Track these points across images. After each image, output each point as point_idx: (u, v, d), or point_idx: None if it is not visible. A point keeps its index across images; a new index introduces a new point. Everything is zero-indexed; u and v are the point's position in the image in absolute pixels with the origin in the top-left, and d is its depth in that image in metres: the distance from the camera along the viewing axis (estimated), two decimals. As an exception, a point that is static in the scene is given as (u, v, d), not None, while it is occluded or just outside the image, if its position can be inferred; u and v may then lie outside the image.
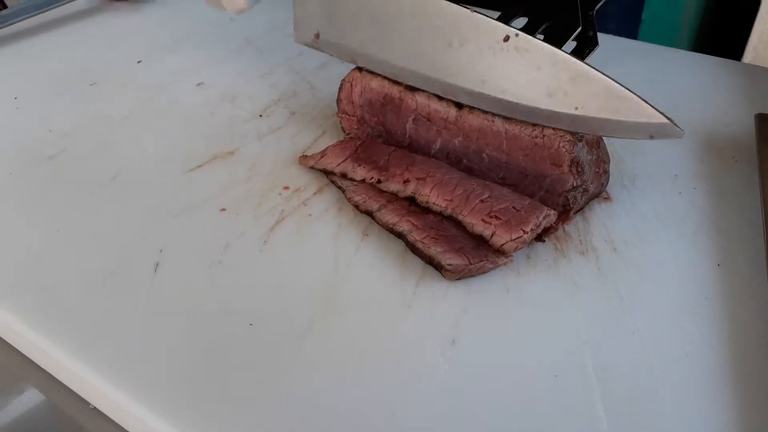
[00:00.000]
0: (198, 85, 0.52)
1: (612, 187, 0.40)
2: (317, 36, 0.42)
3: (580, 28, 0.38)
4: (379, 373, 0.29)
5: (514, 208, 0.34)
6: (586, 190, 0.36)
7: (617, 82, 0.34)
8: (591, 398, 0.28)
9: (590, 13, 0.40)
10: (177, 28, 0.61)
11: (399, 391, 0.28)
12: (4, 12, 0.61)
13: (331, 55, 0.43)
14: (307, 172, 0.41)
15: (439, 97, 0.39)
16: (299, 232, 0.37)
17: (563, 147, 0.35)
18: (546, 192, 0.36)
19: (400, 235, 0.35)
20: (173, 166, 0.42)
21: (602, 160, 0.37)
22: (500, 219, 0.34)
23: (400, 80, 0.40)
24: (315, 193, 0.40)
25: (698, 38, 1.75)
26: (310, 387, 0.28)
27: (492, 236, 0.33)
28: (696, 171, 0.42)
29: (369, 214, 0.37)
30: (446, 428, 0.27)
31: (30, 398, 0.34)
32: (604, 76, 0.34)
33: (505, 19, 0.42)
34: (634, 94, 0.34)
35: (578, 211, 0.37)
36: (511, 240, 0.33)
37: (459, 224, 0.35)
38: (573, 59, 0.35)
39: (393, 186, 0.38)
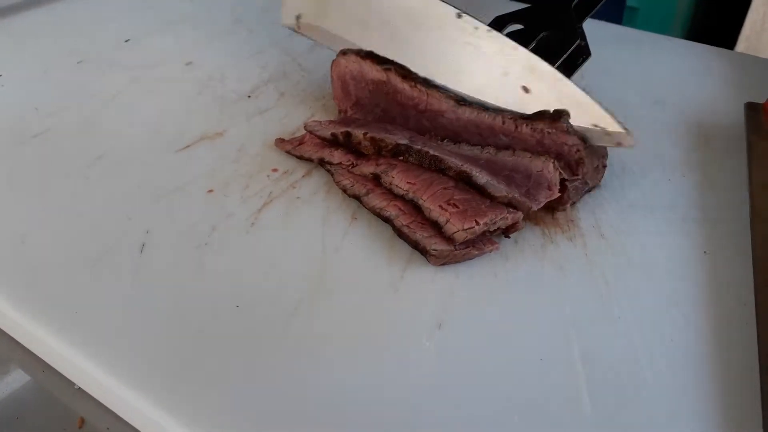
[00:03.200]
0: (187, 64, 0.51)
1: (602, 174, 0.40)
2: (298, 18, 0.42)
3: (576, 39, 0.38)
4: (365, 356, 0.29)
5: (474, 201, 0.34)
6: (585, 183, 0.36)
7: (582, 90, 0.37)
8: (576, 382, 0.28)
9: (580, 24, 0.40)
10: (167, 7, 0.60)
11: (385, 374, 0.28)
12: (-12, -12, 0.60)
13: (312, 39, 0.43)
14: (298, 158, 0.41)
15: (438, 90, 0.39)
16: (287, 214, 0.37)
17: (571, 147, 0.35)
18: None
19: (387, 220, 0.35)
20: (160, 146, 0.42)
21: (601, 155, 0.37)
22: (457, 207, 0.33)
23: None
24: (304, 176, 0.40)
25: (692, 27, 1.75)
26: (295, 369, 0.28)
27: (446, 223, 0.33)
28: (685, 159, 0.42)
29: (357, 198, 0.37)
30: (432, 411, 0.27)
31: (15, 379, 0.34)
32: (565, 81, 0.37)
33: (499, 25, 0.42)
34: (596, 102, 0.36)
35: (574, 203, 0.37)
36: (463, 229, 0.32)
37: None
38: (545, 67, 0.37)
39: (365, 169, 0.38)
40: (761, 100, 0.45)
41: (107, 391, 0.28)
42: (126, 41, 0.54)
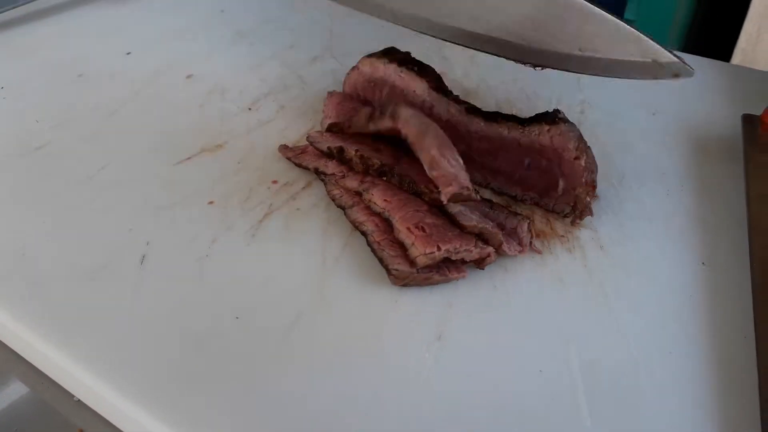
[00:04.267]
0: (188, 77, 0.51)
1: (600, 186, 0.40)
2: None
3: None
4: (365, 368, 0.29)
5: (443, 227, 0.34)
6: (593, 186, 0.36)
7: (622, 20, 0.33)
8: (575, 393, 0.28)
9: None
10: (168, 20, 0.60)
11: (385, 386, 0.28)
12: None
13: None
14: (297, 166, 0.41)
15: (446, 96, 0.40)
16: (287, 226, 0.37)
17: (571, 142, 0.36)
18: (562, 193, 0.37)
19: (363, 234, 0.35)
20: (161, 158, 0.42)
21: (590, 170, 0.37)
22: (424, 232, 0.33)
23: (388, 20, 0.40)
24: (304, 188, 0.40)
25: (688, 39, 1.76)
26: (296, 381, 0.28)
27: (411, 246, 0.33)
28: (683, 170, 0.42)
29: (342, 209, 0.37)
30: (432, 423, 0.27)
31: (14, 390, 0.34)
32: (608, 15, 0.33)
33: None
34: (641, 32, 0.33)
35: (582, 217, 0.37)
36: (424, 254, 0.32)
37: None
38: None
39: (350, 183, 0.38)
40: (758, 112, 0.45)
41: (106, 403, 0.28)
42: (127, 54, 0.55)
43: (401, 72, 0.42)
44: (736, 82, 0.52)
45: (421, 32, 0.39)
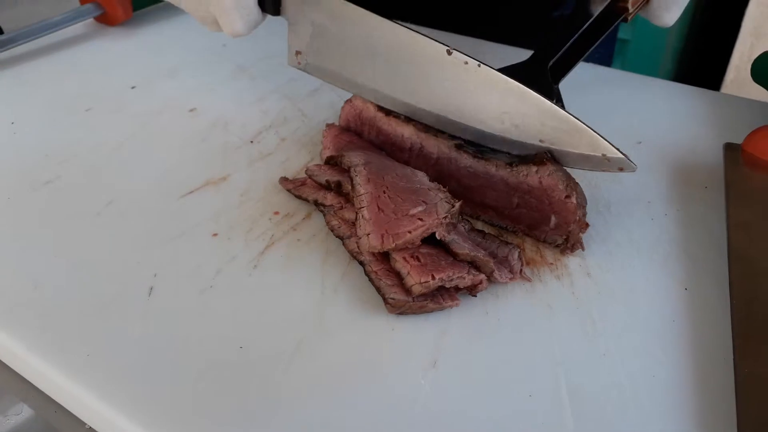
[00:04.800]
0: (191, 111, 0.53)
1: (588, 214, 0.41)
2: (298, 53, 0.46)
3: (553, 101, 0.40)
4: (364, 395, 0.31)
5: (437, 256, 0.35)
6: (585, 223, 0.38)
7: (576, 118, 0.38)
8: (562, 417, 0.29)
9: (556, 85, 0.43)
10: (170, 54, 0.63)
11: (384, 413, 0.30)
12: (2, 37, 0.63)
13: (315, 76, 0.45)
14: (297, 198, 0.43)
15: (435, 134, 0.42)
16: (288, 256, 0.38)
17: (560, 183, 0.37)
18: (554, 227, 0.39)
19: (361, 263, 0.37)
20: (167, 191, 0.44)
21: (582, 206, 0.39)
22: (419, 261, 0.35)
23: (375, 102, 0.44)
24: (304, 219, 0.42)
25: (681, 60, 1.79)
26: (297, 409, 0.30)
27: (406, 275, 0.35)
28: (668, 198, 0.44)
29: (341, 239, 0.39)
30: (426, 447, 0.28)
31: (28, 419, 0.36)
32: (566, 113, 0.38)
33: None
34: (590, 128, 0.38)
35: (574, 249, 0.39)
36: (419, 283, 0.34)
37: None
38: (535, 95, 0.38)
39: (348, 214, 0.39)
40: (740, 140, 0.47)
41: (117, 429, 0.30)
42: (132, 88, 0.57)
43: (390, 120, 0.44)
44: (721, 111, 0.54)
45: (404, 114, 0.43)
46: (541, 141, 0.39)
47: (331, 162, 0.43)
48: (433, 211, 0.36)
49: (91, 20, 0.70)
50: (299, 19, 0.45)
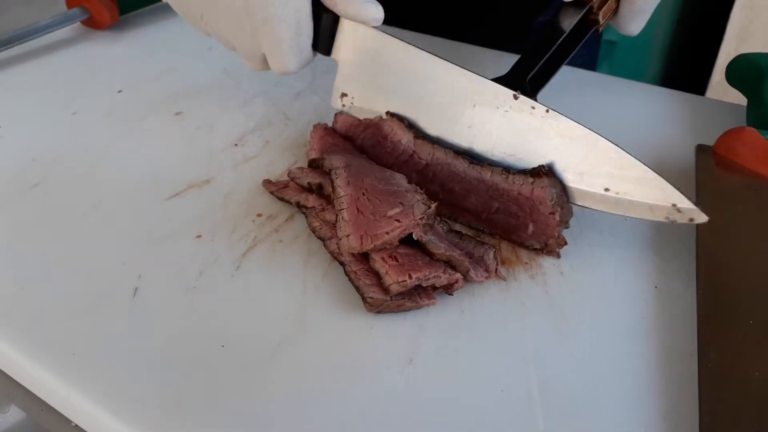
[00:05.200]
0: (176, 114, 0.54)
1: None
2: (344, 95, 0.47)
3: None
4: (343, 392, 0.32)
5: (415, 256, 0.37)
6: (564, 241, 0.40)
7: (644, 164, 0.38)
8: (533, 411, 0.30)
9: (534, 96, 0.44)
10: (157, 57, 0.63)
11: (361, 409, 0.31)
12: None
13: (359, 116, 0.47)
14: (279, 200, 0.44)
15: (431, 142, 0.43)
16: (270, 257, 0.39)
17: (549, 197, 0.39)
18: (531, 234, 0.40)
19: (341, 264, 0.38)
20: (152, 194, 0.45)
21: (564, 221, 0.40)
22: (397, 261, 0.36)
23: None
24: (286, 221, 0.43)
25: (666, 70, 1.82)
26: (279, 406, 0.31)
27: (385, 274, 0.36)
28: (641, 198, 0.45)
29: (321, 240, 0.40)
30: (402, 440, 0.29)
31: (14, 416, 0.36)
32: (636, 160, 0.38)
33: None
34: (663, 178, 0.38)
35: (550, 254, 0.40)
36: (397, 282, 0.35)
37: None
38: (606, 143, 0.39)
39: (329, 216, 0.40)
40: (713, 142, 0.48)
41: (103, 427, 0.31)
42: (119, 92, 0.58)
43: (392, 123, 0.45)
44: (696, 113, 0.55)
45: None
46: (606, 189, 0.39)
47: (314, 165, 0.44)
48: (410, 212, 0.37)
49: (78, 24, 0.70)
50: (349, 62, 0.46)
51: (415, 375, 0.32)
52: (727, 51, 1.70)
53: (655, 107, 0.56)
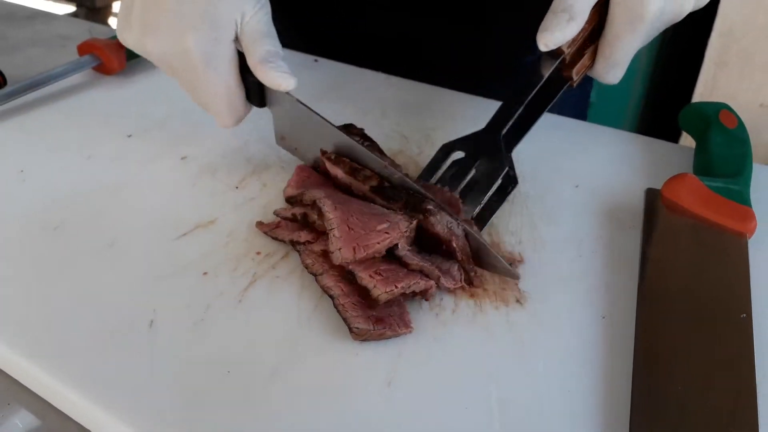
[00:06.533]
0: (182, 159, 0.60)
1: (525, 251, 0.49)
2: (283, 137, 0.55)
3: (506, 169, 0.47)
4: (331, 410, 0.37)
5: (395, 270, 0.43)
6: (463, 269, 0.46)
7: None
8: (491, 425, 0.36)
9: (509, 154, 0.50)
10: (162, 103, 0.69)
11: (347, 424, 0.36)
12: (7, 89, 0.69)
13: (298, 157, 0.55)
14: (273, 239, 0.50)
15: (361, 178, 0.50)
16: (269, 291, 0.45)
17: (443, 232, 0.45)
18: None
19: (331, 297, 0.43)
20: (162, 234, 0.50)
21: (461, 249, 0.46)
22: (381, 276, 0.42)
23: None
24: (282, 258, 0.48)
25: (642, 121, 1.92)
26: (275, 424, 0.36)
27: (373, 288, 0.42)
28: (597, 237, 0.51)
29: (314, 275, 0.45)
30: (380, 451, 0.35)
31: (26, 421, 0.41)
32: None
33: (446, 152, 0.53)
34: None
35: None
36: (385, 292, 0.41)
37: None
38: None
39: (317, 247, 0.46)
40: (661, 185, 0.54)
41: (125, 441, 0.36)
42: (128, 136, 0.63)
43: (325, 160, 0.52)
44: (651, 156, 0.61)
45: None
46: None
47: (292, 201, 0.50)
48: (396, 227, 0.44)
49: (89, 70, 0.76)
50: (280, 111, 0.54)
51: (393, 396, 0.38)
52: (706, 77, 1.78)
53: (612, 150, 0.62)
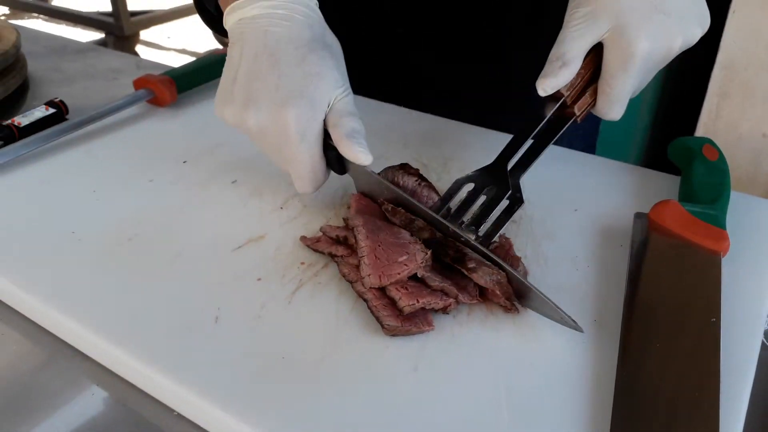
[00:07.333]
0: (232, 182, 0.69)
1: (530, 265, 0.57)
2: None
3: (510, 191, 0.55)
4: (367, 390, 0.45)
5: (419, 287, 0.51)
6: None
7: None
8: (499, 406, 0.44)
9: (516, 181, 0.57)
10: (211, 131, 0.78)
11: (379, 404, 0.44)
12: (75, 119, 0.79)
13: None
14: (314, 251, 0.58)
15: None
16: (312, 295, 0.53)
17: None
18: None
19: (365, 300, 0.52)
20: (220, 247, 0.59)
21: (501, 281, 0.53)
22: (407, 290, 0.51)
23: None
24: (323, 267, 0.57)
25: (648, 151, 2.00)
26: (323, 402, 0.45)
27: (399, 300, 0.50)
28: (592, 254, 0.59)
29: (350, 283, 0.54)
30: (410, 422, 0.43)
31: (120, 409, 0.50)
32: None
33: (458, 185, 0.60)
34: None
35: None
36: (408, 305, 0.49)
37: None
38: None
39: (352, 260, 0.55)
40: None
41: (201, 411, 0.44)
42: (184, 162, 0.73)
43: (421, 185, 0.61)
44: (642, 184, 0.69)
45: None
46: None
47: (345, 221, 0.59)
48: (414, 258, 0.52)
49: (143, 102, 0.86)
50: (356, 176, 0.63)
51: (417, 379, 0.46)
52: (709, 108, 1.86)
53: (608, 178, 0.71)
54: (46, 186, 0.69)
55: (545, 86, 0.56)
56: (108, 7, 3.52)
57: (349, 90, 0.60)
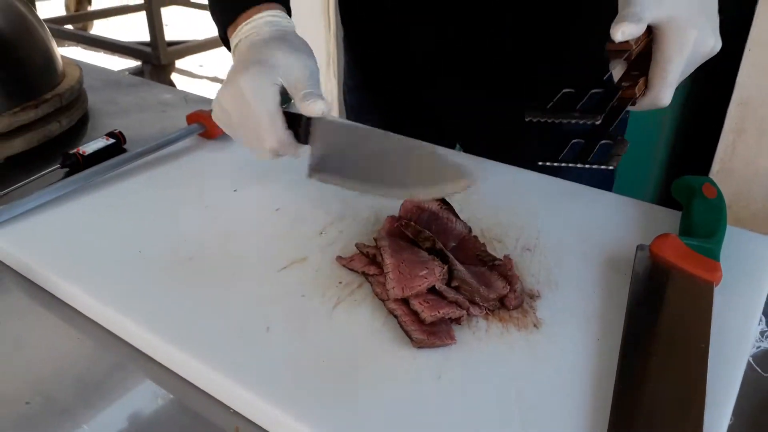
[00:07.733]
0: (276, 210, 0.77)
1: (542, 290, 0.64)
2: (319, 170, 0.73)
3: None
4: (398, 394, 0.53)
5: (437, 300, 0.59)
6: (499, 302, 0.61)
7: None
8: (511, 412, 0.51)
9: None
10: (258, 163, 0.86)
11: (408, 406, 0.52)
12: (138, 150, 0.88)
13: (327, 183, 0.73)
14: (350, 270, 0.66)
15: None
16: (350, 311, 0.61)
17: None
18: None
19: (395, 316, 0.59)
20: (268, 267, 0.67)
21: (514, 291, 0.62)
22: (428, 303, 0.59)
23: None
24: (358, 287, 0.64)
25: (665, 186, 2.06)
26: (360, 400, 0.52)
27: (421, 312, 0.58)
28: (598, 280, 0.66)
29: (382, 300, 0.62)
30: (435, 423, 0.50)
31: (174, 406, 0.58)
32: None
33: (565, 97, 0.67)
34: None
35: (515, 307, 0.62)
36: (430, 315, 0.57)
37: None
38: None
39: (381, 279, 0.62)
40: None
41: (257, 409, 0.52)
42: (234, 191, 0.81)
43: (443, 208, 0.69)
44: (646, 218, 0.76)
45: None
46: None
47: (375, 240, 0.67)
48: (432, 273, 0.60)
49: (195, 135, 0.95)
50: (319, 146, 0.72)
51: (441, 386, 0.53)
52: (725, 144, 1.91)
53: (617, 212, 0.78)
54: (113, 210, 0.78)
55: (624, 29, 0.57)
56: (146, 37, 3.69)
57: (314, 70, 0.69)
